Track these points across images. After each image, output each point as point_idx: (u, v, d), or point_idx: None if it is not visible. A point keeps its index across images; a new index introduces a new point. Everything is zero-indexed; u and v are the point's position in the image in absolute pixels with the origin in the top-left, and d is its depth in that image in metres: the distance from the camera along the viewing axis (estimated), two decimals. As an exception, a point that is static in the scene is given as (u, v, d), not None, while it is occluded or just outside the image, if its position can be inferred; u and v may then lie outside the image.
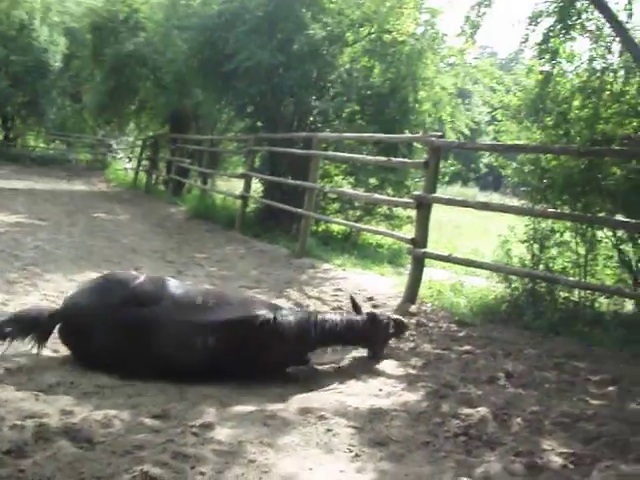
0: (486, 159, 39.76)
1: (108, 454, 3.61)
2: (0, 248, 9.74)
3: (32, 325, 5.18)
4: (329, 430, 4.14)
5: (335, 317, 5.63)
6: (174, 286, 5.27)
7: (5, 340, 5.07)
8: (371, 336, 5.76)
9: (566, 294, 7.60)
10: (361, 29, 15.12)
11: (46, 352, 5.37)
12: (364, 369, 5.55)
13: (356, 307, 5.92)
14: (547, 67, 8.24)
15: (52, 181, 25.71)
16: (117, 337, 4.91)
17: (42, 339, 5.23)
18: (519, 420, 4.37)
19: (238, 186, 16.89)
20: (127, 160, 33.80)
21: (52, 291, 7.40)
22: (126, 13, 24.88)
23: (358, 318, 5.74)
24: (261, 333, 5.14)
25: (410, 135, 11.96)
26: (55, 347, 5.46)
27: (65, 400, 4.39)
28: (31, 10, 31.47)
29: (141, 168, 27.46)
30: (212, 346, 4.95)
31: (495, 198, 31.80)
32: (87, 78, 33.02)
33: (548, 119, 8.22)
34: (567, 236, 7.92)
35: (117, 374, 4.88)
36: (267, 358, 5.22)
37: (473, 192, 39.42)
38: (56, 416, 4.05)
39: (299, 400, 4.76)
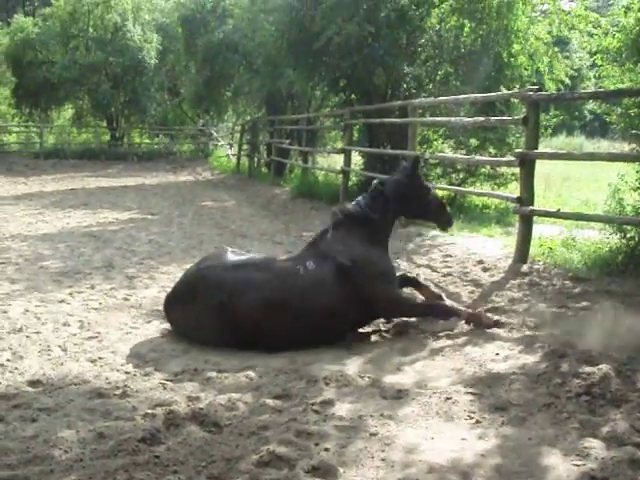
0: (590, 105, 38.24)
1: (235, 436, 3.77)
2: (118, 245, 10.20)
3: None
4: (448, 398, 4.16)
5: None
6: None
7: None
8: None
9: (686, 239, 7.26)
10: (447, -13, 14.81)
11: (168, 343, 5.62)
12: (479, 334, 5.51)
13: None
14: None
15: (159, 175, 26.60)
16: None
17: None
18: (644, 375, 4.25)
19: (339, 161, 16.96)
20: (228, 146, 34.43)
21: (169, 282, 7.69)
22: (213, 2, 25.31)
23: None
24: None
25: (506, 92, 11.63)
26: (177, 337, 5.72)
27: (191, 387, 4.61)
28: (123, 12, 32.59)
29: (242, 153, 27.95)
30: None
31: (603, 145, 30.59)
32: (182, 71, 33.94)
33: (652, 58, 7.82)
34: (683, 179, 7.55)
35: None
36: None
37: (579, 141, 37.92)
38: (184, 403, 4.25)
39: (416, 370, 4.80)
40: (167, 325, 6.01)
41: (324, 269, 5.60)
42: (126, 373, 4.89)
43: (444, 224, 6.67)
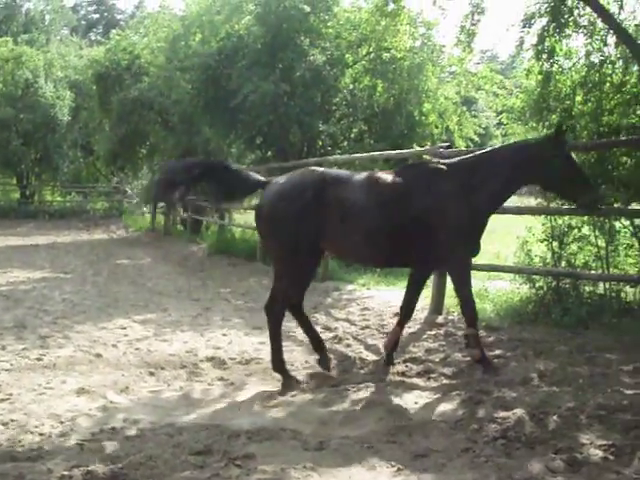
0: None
1: (156, 494, 3.69)
2: (29, 305, 9.90)
3: None
4: (370, 447, 4.20)
5: None
6: None
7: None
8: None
9: (591, 288, 7.62)
10: (359, 49, 15.33)
11: (85, 402, 5.48)
12: (398, 385, 5.60)
13: None
14: (546, 66, 8.29)
15: (72, 233, 26.05)
16: None
17: None
18: (555, 417, 4.41)
19: (255, 217, 16.98)
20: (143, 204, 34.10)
21: (85, 341, 7.53)
22: (128, 60, 25.25)
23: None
24: None
25: (418, 149, 12.04)
26: (94, 396, 5.58)
27: (109, 446, 4.47)
28: (35, 68, 32.15)
29: (158, 210, 27.74)
30: None
31: (512, 200, 31.57)
32: (96, 128, 33.55)
33: (553, 117, 8.27)
34: (586, 230, 7.92)
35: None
36: None
37: (490, 197, 39.12)
38: (102, 463, 4.12)
39: (336, 421, 4.82)
40: (84, 383, 5.87)
41: None
42: (40, 435, 4.72)
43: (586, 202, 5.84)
